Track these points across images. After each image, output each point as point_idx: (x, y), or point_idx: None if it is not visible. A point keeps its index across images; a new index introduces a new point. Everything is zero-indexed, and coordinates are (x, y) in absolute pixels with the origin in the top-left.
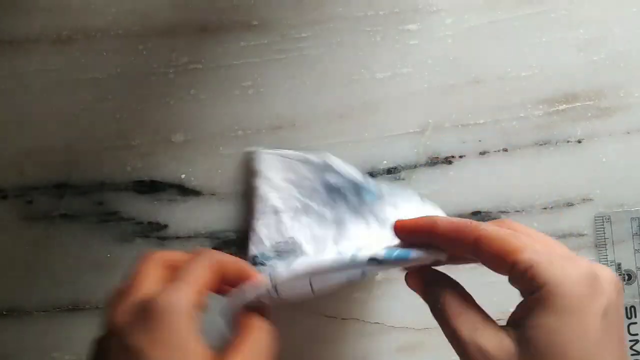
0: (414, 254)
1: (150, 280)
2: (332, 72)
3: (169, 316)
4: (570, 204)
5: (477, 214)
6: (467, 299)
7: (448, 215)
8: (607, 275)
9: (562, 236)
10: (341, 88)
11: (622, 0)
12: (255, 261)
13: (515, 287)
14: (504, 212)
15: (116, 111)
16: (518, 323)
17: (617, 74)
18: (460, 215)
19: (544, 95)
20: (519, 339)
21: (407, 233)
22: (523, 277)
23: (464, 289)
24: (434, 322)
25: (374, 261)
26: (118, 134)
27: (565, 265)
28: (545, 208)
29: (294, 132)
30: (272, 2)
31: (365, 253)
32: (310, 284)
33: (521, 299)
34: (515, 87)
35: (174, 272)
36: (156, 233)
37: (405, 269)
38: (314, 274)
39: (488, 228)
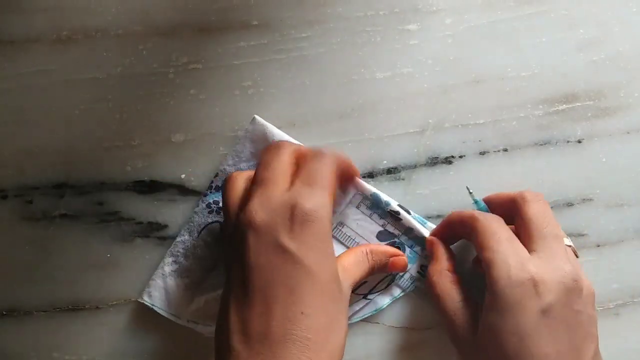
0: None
1: (286, 177)
2: (332, 72)
3: (318, 223)
4: (570, 204)
5: None
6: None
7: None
8: (557, 276)
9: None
10: (341, 88)
11: (622, 0)
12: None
13: None
14: None
15: (116, 111)
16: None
17: (617, 74)
18: None
19: (544, 95)
20: (477, 330)
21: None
22: (485, 272)
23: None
24: (434, 322)
25: (401, 210)
26: (118, 134)
27: (511, 267)
28: None
29: (294, 132)
30: (272, 2)
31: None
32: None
33: None
34: (515, 87)
35: (302, 170)
36: (156, 233)
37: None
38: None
39: (482, 222)
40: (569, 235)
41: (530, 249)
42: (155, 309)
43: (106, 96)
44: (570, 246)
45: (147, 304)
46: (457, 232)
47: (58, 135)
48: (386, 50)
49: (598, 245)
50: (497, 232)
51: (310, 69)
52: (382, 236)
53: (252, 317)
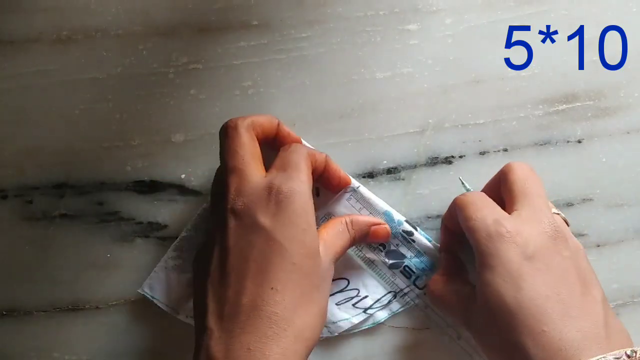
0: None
1: (255, 159)
2: (332, 72)
3: (294, 200)
4: (570, 204)
5: None
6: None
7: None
8: (533, 230)
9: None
10: (341, 88)
11: (622, 0)
12: None
13: None
14: None
15: (116, 111)
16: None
17: (617, 74)
18: None
19: (544, 95)
20: (477, 297)
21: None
22: (471, 240)
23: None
24: (434, 322)
25: (410, 228)
26: (118, 134)
27: (491, 228)
28: None
29: (294, 132)
30: (272, 2)
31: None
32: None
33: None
34: (515, 87)
35: (277, 160)
36: (156, 233)
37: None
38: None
39: (461, 198)
40: None
41: (512, 210)
42: (155, 301)
43: (106, 96)
44: (558, 214)
45: (147, 295)
46: (454, 229)
47: (58, 135)
48: (386, 50)
49: (598, 245)
50: (474, 202)
51: (310, 69)
52: (390, 255)
53: (227, 297)
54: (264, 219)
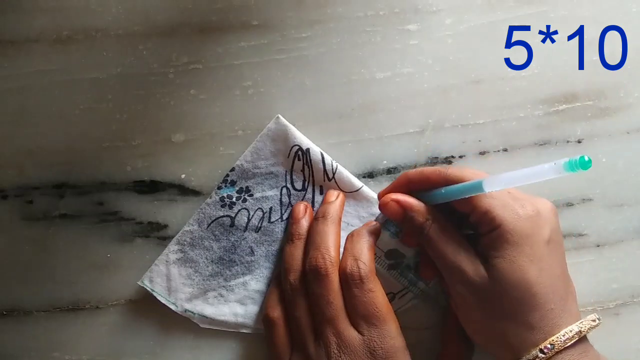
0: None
1: (343, 307)
2: (332, 72)
3: (399, 356)
4: (570, 204)
5: None
6: (449, 228)
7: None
8: (546, 207)
9: (562, 236)
10: (341, 88)
11: (622, 0)
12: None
13: (475, 226)
14: None
15: (116, 111)
16: (485, 255)
17: (617, 74)
18: None
19: (544, 95)
20: (487, 267)
21: (390, 191)
22: (482, 218)
23: (446, 218)
24: (433, 322)
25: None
26: (118, 134)
27: (514, 207)
28: None
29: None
30: (272, 2)
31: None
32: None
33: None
34: (515, 87)
35: (357, 305)
36: (156, 233)
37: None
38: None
39: (454, 170)
40: (569, 235)
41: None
42: (155, 294)
43: (106, 96)
44: None
45: (146, 287)
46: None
47: (58, 135)
48: (386, 50)
49: (598, 245)
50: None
51: (310, 69)
52: (389, 256)
53: None
54: None
